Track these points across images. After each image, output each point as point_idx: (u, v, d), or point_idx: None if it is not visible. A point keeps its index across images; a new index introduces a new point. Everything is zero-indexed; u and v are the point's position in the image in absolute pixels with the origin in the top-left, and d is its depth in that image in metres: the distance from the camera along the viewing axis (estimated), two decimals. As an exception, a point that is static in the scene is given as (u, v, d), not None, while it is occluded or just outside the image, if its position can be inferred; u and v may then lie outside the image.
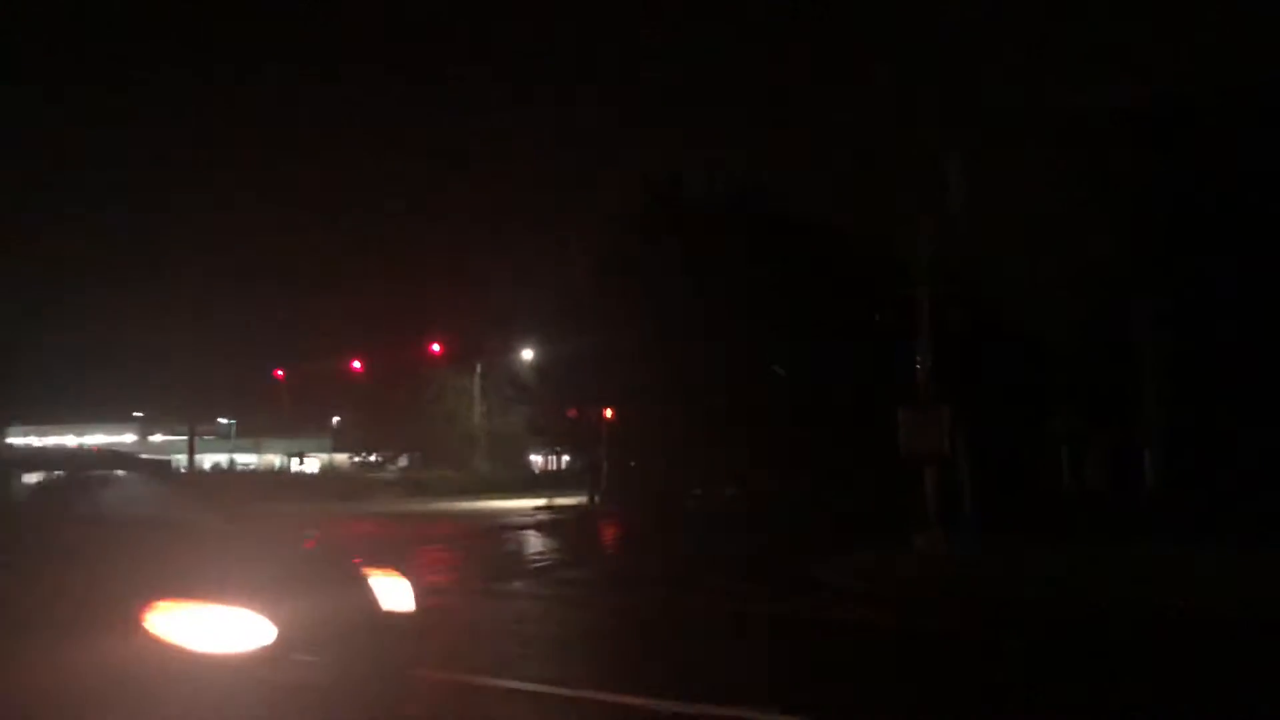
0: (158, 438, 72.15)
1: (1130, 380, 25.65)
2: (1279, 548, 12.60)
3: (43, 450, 12.86)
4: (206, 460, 63.20)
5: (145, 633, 4.14)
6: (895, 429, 15.00)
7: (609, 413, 37.24)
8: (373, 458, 58.05)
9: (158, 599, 4.25)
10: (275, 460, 66.99)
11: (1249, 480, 24.17)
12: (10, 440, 50.90)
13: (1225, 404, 26.14)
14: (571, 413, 39.66)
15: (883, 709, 6.47)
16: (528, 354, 48.19)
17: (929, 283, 15.47)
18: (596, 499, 36.20)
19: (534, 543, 20.87)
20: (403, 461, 56.72)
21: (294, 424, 72.59)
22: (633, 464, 41.63)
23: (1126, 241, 24.39)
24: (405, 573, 5.82)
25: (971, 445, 18.00)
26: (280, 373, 58.52)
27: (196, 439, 49.55)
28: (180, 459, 59.04)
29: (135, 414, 75.96)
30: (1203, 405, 25.76)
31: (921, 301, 15.40)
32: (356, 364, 53.46)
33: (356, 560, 5.76)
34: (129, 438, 73.31)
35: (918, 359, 15.35)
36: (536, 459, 72.05)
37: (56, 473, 6.26)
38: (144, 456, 11.97)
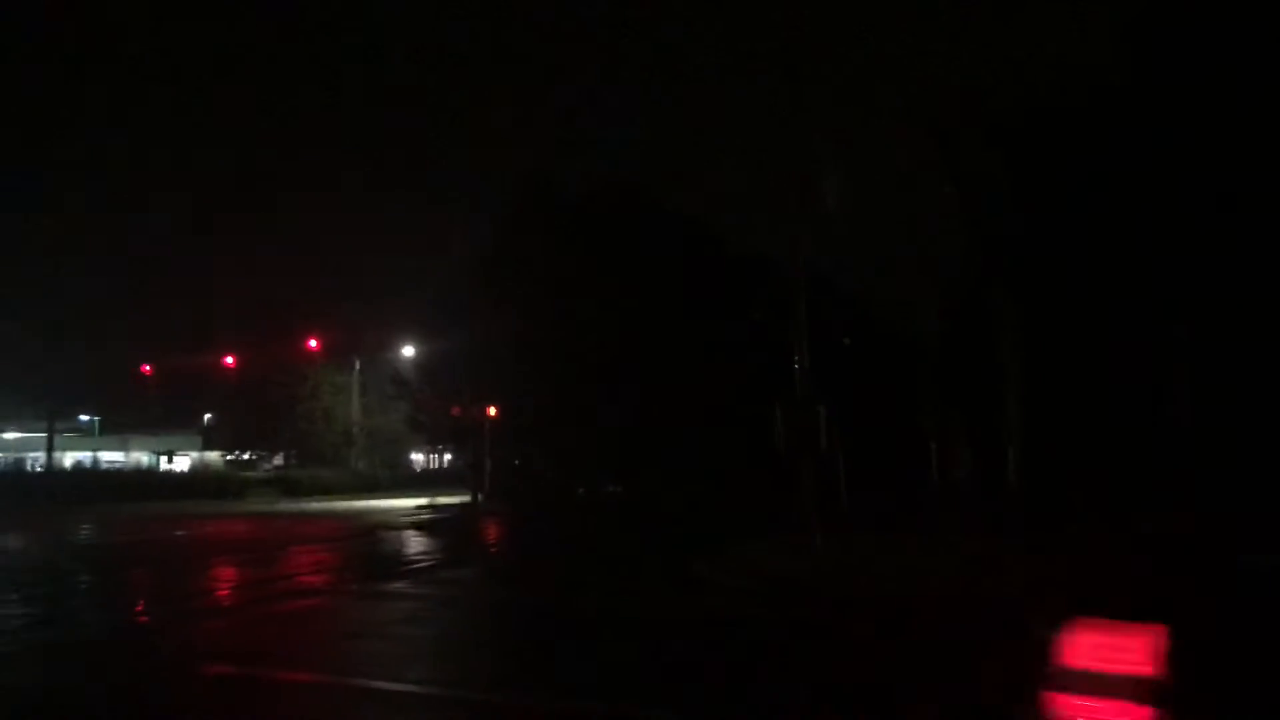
0: (12, 434, 68.35)
1: (993, 378, 26.80)
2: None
3: None
4: (68, 459, 60.21)
5: None
6: (774, 426, 15.31)
7: (492, 410, 36.98)
8: (246, 456, 56.27)
9: None
10: (143, 459, 64.24)
11: (1102, 478, 25.53)
12: None
13: (1081, 402, 27.53)
14: (454, 410, 39.22)
15: (741, 702, 6.65)
16: (409, 350, 47.46)
17: (804, 283, 15.86)
18: (479, 498, 35.90)
19: (415, 542, 20.59)
20: (277, 460, 55.14)
21: (163, 421, 69.73)
22: (516, 462, 41.45)
23: (985, 243, 25.49)
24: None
25: (846, 442, 18.53)
26: (148, 368, 56.16)
27: (57, 436, 47.15)
28: (38, 457, 56.18)
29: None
30: (1059, 403, 27.08)
31: (798, 301, 15.77)
32: (229, 359, 51.78)
33: None
34: (-21, 435, 69.32)
35: (795, 358, 15.72)
36: (418, 458, 70.97)
37: None
38: None
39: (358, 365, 53.37)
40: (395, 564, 15.89)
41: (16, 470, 57.40)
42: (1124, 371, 27.21)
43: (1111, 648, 3.07)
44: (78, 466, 55.92)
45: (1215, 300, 25.96)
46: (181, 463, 61.02)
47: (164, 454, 60.55)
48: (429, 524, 26.22)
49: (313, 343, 49.71)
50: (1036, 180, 24.83)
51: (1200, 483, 18.69)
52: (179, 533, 23.31)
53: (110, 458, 64.19)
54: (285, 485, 45.69)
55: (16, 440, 67.35)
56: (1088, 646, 3.10)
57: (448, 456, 65.74)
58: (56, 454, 47.98)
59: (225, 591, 13.00)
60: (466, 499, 36.06)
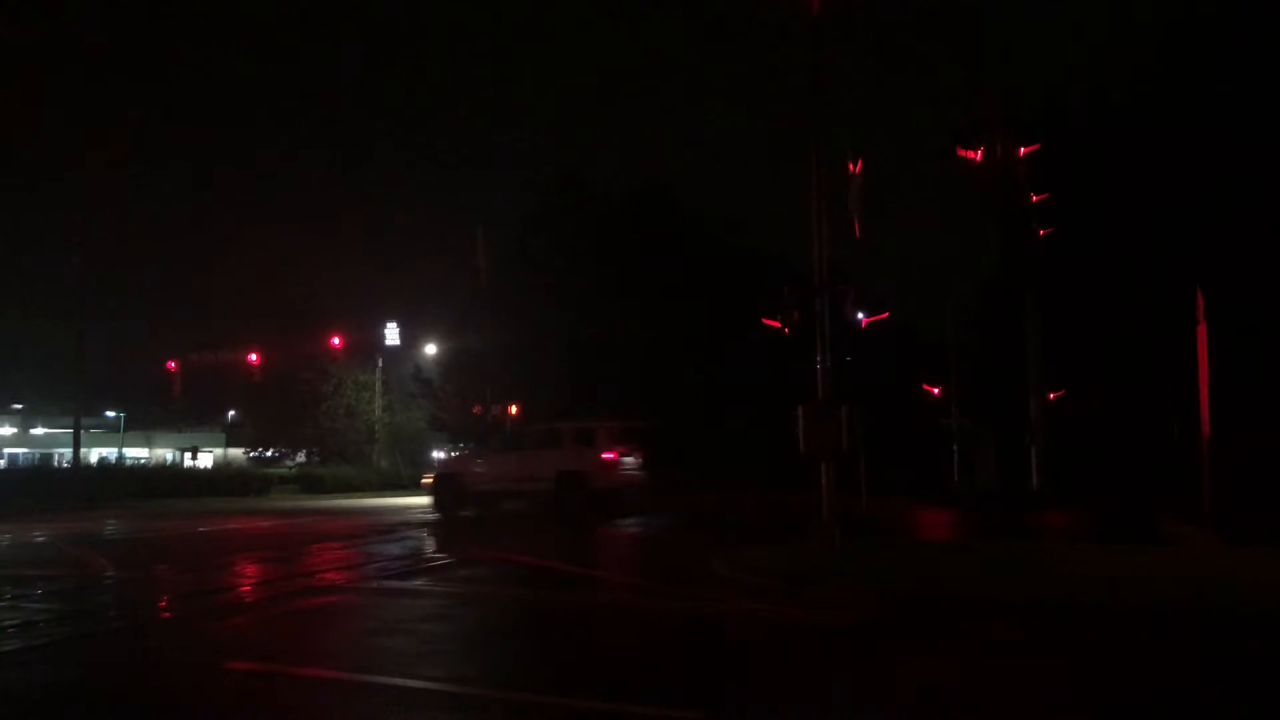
0: (39, 430, 69.13)
1: (1016, 383, 26.67)
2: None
3: None
4: (94, 454, 60.84)
5: None
6: (794, 427, 15.26)
7: (514, 408, 37.06)
8: (269, 453, 56.63)
9: None
10: (167, 455, 64.82)
11: (1123, 482, 25.35)
12: None
13: (1103, 407, 27.30)
14: (476, 408, 39.35)
15: (757, 701, 6.64)
16: (431, 349, 47.66)
17: (825, 283, 15.79)
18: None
19: (436, 539, 20.67)
20: (300, 457, 55.49)
21: (187, 418, 70.31)
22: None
23: (1010, 245, 25.34)
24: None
25: (868, 444, 18.52)
26: (173, 364, 56.60)
27: (83, 432, 47.57)
28: (64, 453, 56.71)
29: (14, 405, 72.65)
30: (1082, 408, 26.86)
31: (819, 301, 15.72)
32: (253, 356, 52.11)
33: None
34: (8, 430, 70.09)
35: (816, 358, 15.67)
36: (440, 455, 71.24)
37: None
38: None
39: (381, 363, 53.66)
40: (416, 561, 15.95)
41: (43, 466, 58.07)
42: (1145, 377, 27.03)
43: None
44: (103, 462, 56.49)
45: (1236, 308, 25.76)
46: (205, 459, 61.53)
47: (187, 450, 61.09)
48: (450, 521, 26.25)
49: (336, 340, 50.00)
50: (1063, 185, 24.69)
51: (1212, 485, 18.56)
52: (202, 529, 23.49)
53: (135, 454, 64.87)
54: (308, 482, 45.95)
55: (44, 436, 68.15)
56: None
57: (469, 455, 65.90)
58: (82, 450, 48.46)
59: (247, 588, 13.08)
60: (487, 497, 36.06)
